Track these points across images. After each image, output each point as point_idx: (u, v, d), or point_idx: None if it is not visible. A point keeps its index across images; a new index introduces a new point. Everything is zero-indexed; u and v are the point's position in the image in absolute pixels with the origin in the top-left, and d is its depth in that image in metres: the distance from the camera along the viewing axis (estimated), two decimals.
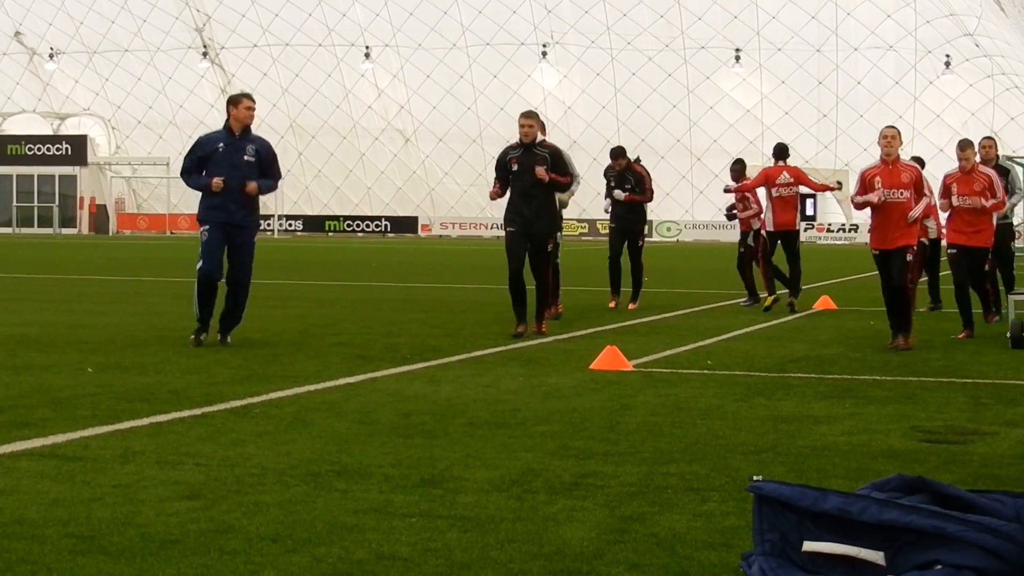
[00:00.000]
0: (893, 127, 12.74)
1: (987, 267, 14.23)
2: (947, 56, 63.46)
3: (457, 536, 5.03)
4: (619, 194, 17.62)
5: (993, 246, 14.44)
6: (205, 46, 72.98)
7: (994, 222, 14.01)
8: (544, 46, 68.33)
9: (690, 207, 67.13)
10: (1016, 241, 16.48)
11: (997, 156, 15.54)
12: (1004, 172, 15.45)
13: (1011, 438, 7.48)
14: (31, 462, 6.38)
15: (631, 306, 17.27)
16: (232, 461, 6.44)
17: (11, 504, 5.46)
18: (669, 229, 64.73)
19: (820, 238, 64.86)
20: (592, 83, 68.18)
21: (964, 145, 13.82)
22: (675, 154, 65.74)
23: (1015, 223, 17.22)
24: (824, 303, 17.85)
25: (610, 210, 18.03)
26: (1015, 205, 15.79)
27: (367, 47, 70.35)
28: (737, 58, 66.32)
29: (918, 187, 12.61)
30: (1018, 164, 46.14)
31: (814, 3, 65.34)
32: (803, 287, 18.16)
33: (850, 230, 64.88)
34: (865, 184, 12.53)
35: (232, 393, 8.82)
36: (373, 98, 71.34)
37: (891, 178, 12.53)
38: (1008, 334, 12.79)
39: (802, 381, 10.02)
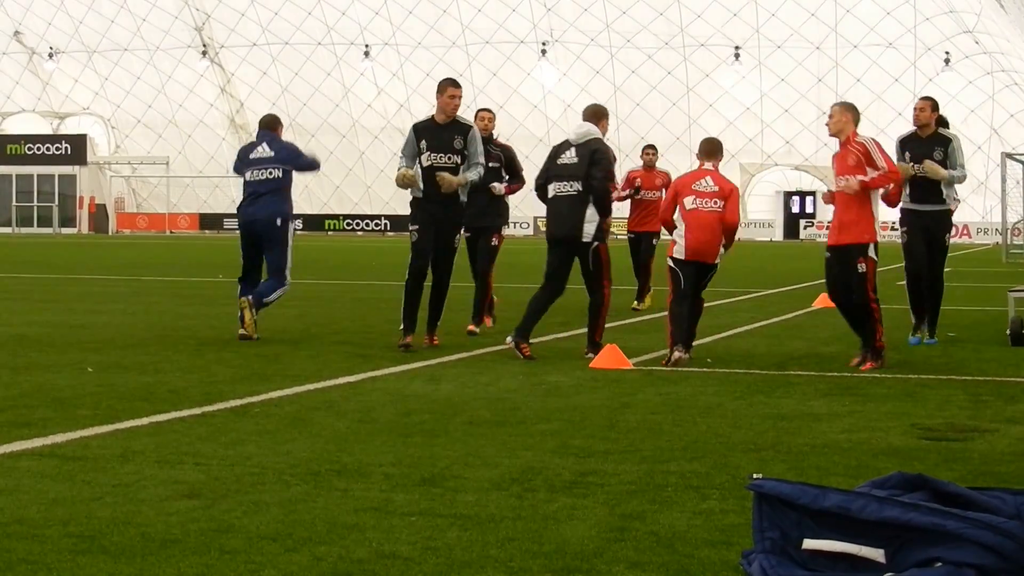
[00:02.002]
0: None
1: (863, 268, 10.74)
2: (947, 53, 63.49)
3: (457, 535, 5.03)
4: (498, 187, 13.73)
5: (928, 239, 12.46)
6: (205, 45, 73.01)
7: (876, 209, 10.81)
8: (544, 44, 68.38)
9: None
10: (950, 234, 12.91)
11: (939, 122, 12.70)
12: (944, 142, 12.57)
13: (1011, 435, 7.48)
14: (31, 462, 6.38)
15: (470, 327, 13.40)
16: (232, 460, 6.44)
17: (11, 504, 5.46)
18: None
19: (820, 235, 64.89)
20: (592, 81, 68.22)
21: (832, 109, 11.18)
22: (675, 152, 65.66)
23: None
24: (824, 301, 17.82)
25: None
26: (953, 182, 12.57)
27: (367, 45, 70.40)
28: (737, 56, 66.35)
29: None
30: (1018, 161, 45.55)
31: (814, 1, 65.37)
32: (803, 284, 18.13)
33: None
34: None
35: (232, 392, 8.82)
36: (373, 96, 71.39)
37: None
38: (1008, 331, 12.78)
39: (802, 379, 10.02)
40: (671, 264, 11.45)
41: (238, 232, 13.17)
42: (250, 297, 12.52)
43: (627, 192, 17.40)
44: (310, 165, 13.40)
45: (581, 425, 7.67)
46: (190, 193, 75.61)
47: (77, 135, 73.36)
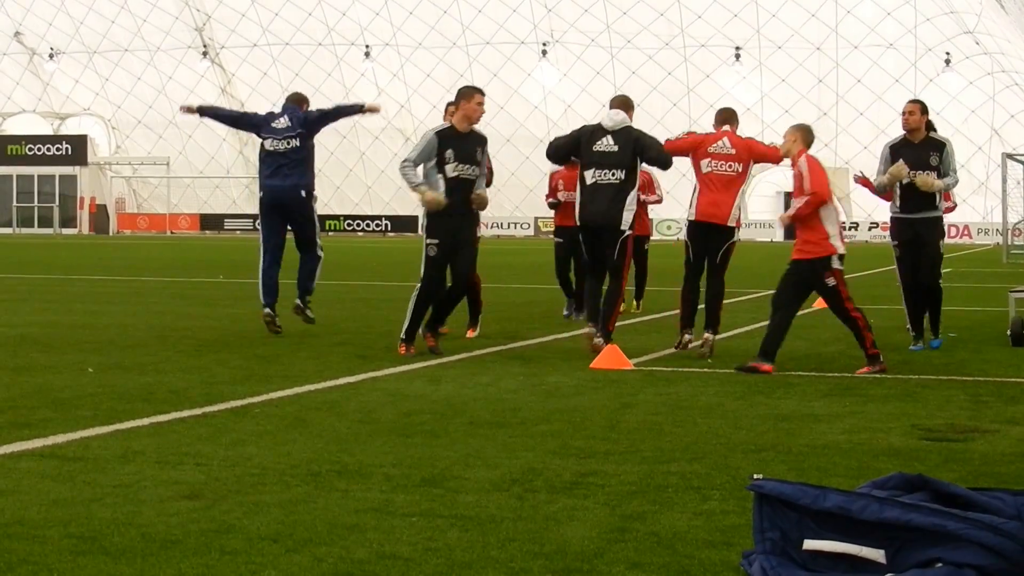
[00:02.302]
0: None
1: (832, 282, 10.83)
2: (947, 54, 63.48)
3: (458, 535, 5.03)
4: None
5: (920, 245, 12.16)
6: (205, 46, 73.00)
7: (828, 224, 10.89)
8: (544, 45, 68.36)
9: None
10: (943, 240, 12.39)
11: (928, 126, 12.26)
12: (939, 147, 12.16)
13: (1012, 436, 7.48)
14: (32, 462, 6.38)
15: (470, 333, 13.15)
16: (232, 461, 6.44)
17: (12, 505, 5.46)
18: (669, 227, 64.82)
19: None
20: (592, 82, 68.17)
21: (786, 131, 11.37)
22: None
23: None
24: (824, 302, 17.80)
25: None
26: (947, 189, 12.24)
27: (367, 46, 70.38)
28: (737, 56, 66.33)
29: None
30: (1018, 161, 45.62)
31: (814, 1, 65.36)
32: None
33: (850, 228, 64.90)
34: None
35: (232, 393, 8.82)
36: (373, 97, 71.30)
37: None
38: (1008, 332, 12.78)
39: (802, 379, 10.02)
40: (685, 238, 12.00)
41: (260, 205, 13.23)
42: (297, 302, 13.04)
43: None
44: (331, 116, 13.37)
45: (581, 426, 7.67)
46: (191, 194, 75.59)
47: (78, 136, 73.32)
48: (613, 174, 11.43)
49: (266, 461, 6.45)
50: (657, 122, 66.82)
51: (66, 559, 4.65)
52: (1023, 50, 65.02)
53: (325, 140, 71.31)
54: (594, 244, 11.62)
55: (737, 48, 66.28)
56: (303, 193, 12.93)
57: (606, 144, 11.47)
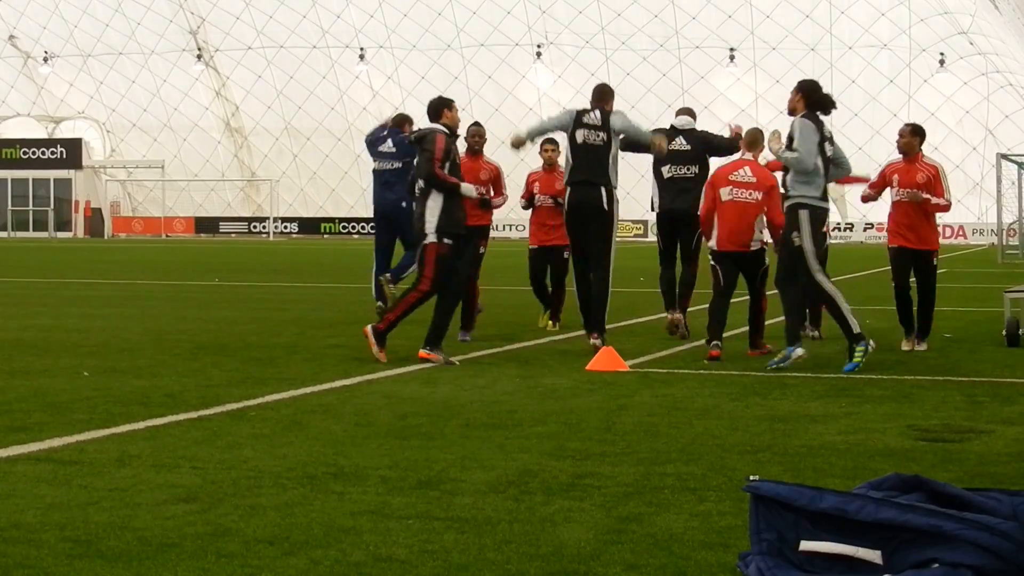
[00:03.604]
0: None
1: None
2: (941, 54, 63.51)
3: (454, 537, 5.03)
4: (469, 188, 11.68)
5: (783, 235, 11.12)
6: (199, 49, 72.92)
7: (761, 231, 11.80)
8: (538, 47, 68.33)
9: None
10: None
11: (809, 102, 10.78)
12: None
13: (1007, 436, 7.49)
14: (28, 466, 6.38)
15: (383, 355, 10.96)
16: (229, 464, 6.44)
17: (8, 508, 5.46)
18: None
19: None
20: (587, 83, 67.60)
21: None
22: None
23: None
24: None
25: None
26: (789, 167, 10.80)
27: (361, 49, 70.31)
28: (732, 57, 66.34)
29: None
30: (1013, 162, 45.64)
31: (808, 2, 65.39)
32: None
33: (845, 228, 64.94)
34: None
35: (228, 396, 8.82)
36: (368, 100, 71.29)
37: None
38: (1003, 332, 12.79)
39: (798, 380, 10.03)
40: (711, 260, 12.17)
41: (374, 214, 15.13)
42: (388, 275, 14.38)
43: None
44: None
45: (577, 427, 7.67)
46: (185, 197, 75.51)
47: (72, 139, 73.23)
48: (688, 168, 12.98)
49: (262, 464, 6.44)
50: (652, 123, 66.91)
51: (62, 563, 4.65)
52: (1017, 50, 65.09)
53: (320, 143, 71.46)
54: (672, 232, 13.12)
55: (731, 49, 66.28)
56: (404, 204, 14.18)
57: (679, 143, 12.96)
